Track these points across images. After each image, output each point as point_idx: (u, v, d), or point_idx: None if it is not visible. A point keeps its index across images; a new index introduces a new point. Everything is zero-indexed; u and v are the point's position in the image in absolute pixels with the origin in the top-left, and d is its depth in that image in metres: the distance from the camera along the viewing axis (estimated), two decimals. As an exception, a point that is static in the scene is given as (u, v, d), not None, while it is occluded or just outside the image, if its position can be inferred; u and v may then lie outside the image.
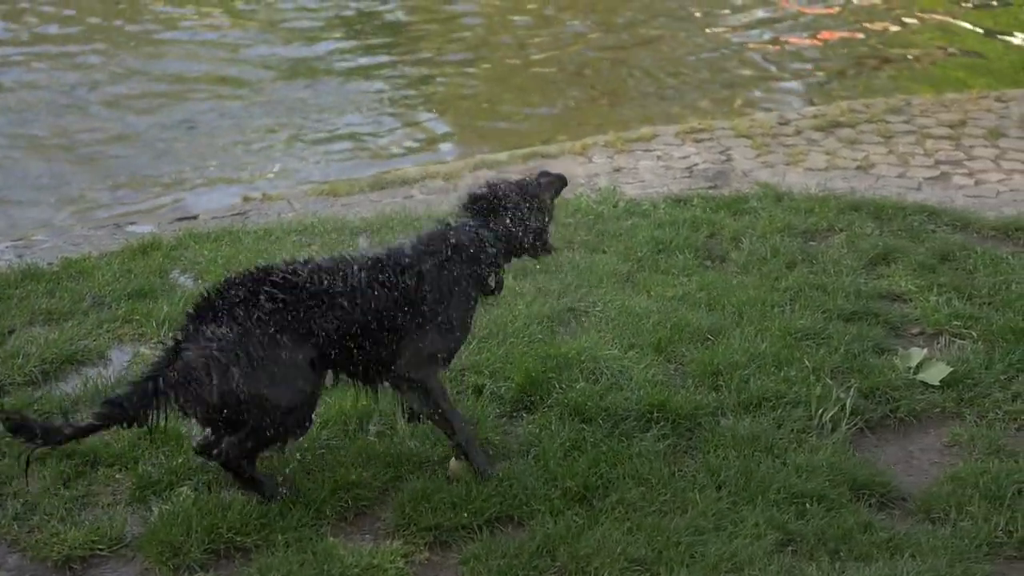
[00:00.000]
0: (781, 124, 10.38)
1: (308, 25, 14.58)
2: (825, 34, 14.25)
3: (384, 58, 13.43)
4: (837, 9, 15.26)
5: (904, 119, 10.42)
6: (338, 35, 14.24)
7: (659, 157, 9.62)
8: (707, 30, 14.49)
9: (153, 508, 4.89)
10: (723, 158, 9.53)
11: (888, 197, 8.39)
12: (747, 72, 12.98)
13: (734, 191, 8.59)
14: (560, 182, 5.39)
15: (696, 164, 9.42)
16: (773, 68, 13.09)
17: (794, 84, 12.52)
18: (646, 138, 10.06)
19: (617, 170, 9.32)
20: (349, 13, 15.07)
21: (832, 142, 9.91)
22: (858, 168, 9.29)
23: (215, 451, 4.85)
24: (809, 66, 13.20)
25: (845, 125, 10.27)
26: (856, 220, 7.86)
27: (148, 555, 4.63)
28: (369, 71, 12.96)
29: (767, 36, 14.31)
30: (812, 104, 11.62)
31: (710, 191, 8.64)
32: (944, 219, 7.94)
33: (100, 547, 4.69)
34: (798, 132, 10.16)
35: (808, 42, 14.03)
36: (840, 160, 9.46)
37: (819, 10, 15.29)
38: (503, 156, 9.77)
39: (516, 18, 14.92)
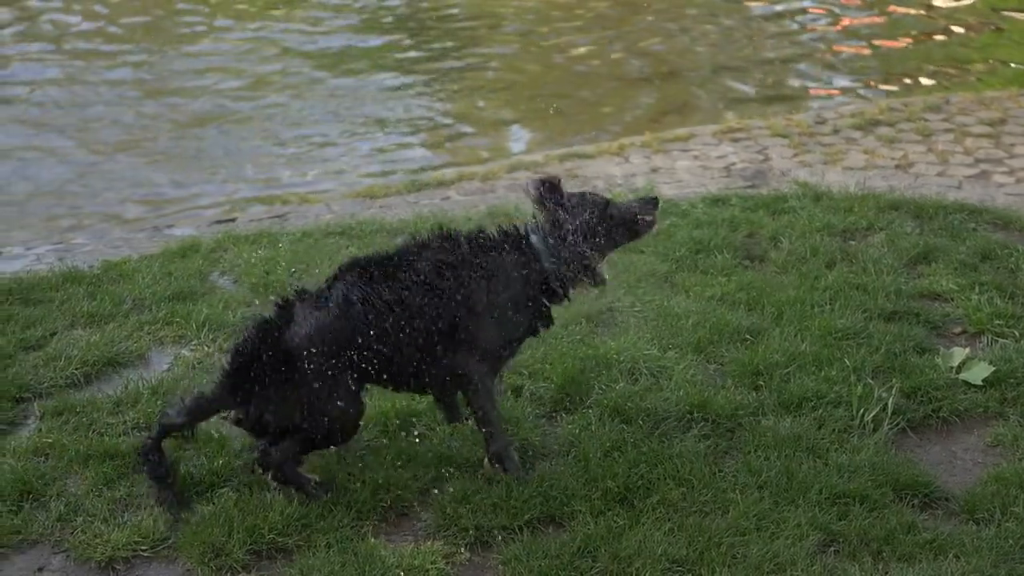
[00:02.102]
0: (818, 123, 10.32)
1: (355, 23, 14.52)
2: (912, 36, 14.05)
3: (444, 62, 13.22)
4: (922, 12, 15.04)
5: (943, 117, 10.34)
6: (391, 35, 14.08)
7: (696, 157, 9.59)
8: (775, 29, 14.36)
9: (195, 509, 4.92)
10: (760, 157, 9.49)
11: (928, 196, 8.33)
12: (828, 74, 12.81)
13: (772, 190, 8.55)
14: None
15: (734, 164, 9.38)
16: (850, 75, 12.89)
17: (874, 90, 12.33)
18: (683, 138, 10.03)
19: (654, 170, 9.30)
20: (404, 13, 14.98)
21: (871, 141, 9.84)
22: (897, 167, 9.23)
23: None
24: (882, 71, 12.99)
25: (883, 124, 10.20)
26: (896, 219, 7.80)
27: (190, 556, 4.66)
28: (424, 72, 12.80)
29: (849, 39, 14.11)
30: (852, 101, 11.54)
31: (748, 191, 8.61)
32: (985, 218, 7.87)
33: (143, 548, 4.72)
34: (836, 131, 10.10)
35: (892, 44, 13.84)
36: (879, 159, 9.40)
37: (904, 9, 15.05)
38: (539, 157, 9.76)
39: (576, 21, 14.77)
